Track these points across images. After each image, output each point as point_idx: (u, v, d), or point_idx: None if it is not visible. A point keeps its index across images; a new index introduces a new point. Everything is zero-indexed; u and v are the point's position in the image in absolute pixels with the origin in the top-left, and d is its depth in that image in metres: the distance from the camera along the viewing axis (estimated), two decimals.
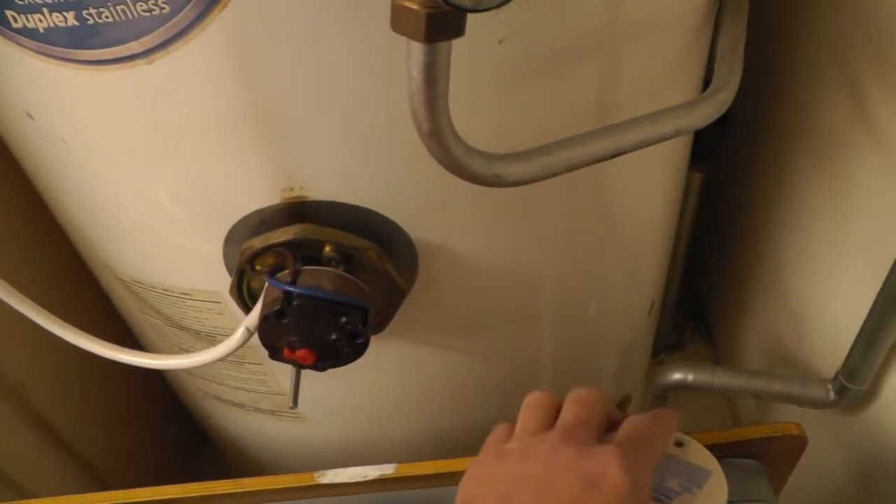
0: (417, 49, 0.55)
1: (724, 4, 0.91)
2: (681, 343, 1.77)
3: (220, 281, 0.86)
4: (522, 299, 0.96)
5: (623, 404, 1.35)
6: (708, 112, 0.77)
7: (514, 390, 1.18)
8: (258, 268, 0.79)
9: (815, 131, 1.15)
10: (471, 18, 0.53)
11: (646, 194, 1.00)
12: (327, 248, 0.77)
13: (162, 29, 0.66)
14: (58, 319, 0.90)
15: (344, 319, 0.76)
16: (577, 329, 1.09)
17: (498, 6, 0.48)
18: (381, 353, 0.91)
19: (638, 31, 0.77)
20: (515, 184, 0.67)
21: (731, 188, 1.51)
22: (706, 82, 1.00)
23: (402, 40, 0.54)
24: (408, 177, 0.76)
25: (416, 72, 0.56)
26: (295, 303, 0.75)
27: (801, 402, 1.10)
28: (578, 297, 1.03)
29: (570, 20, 0.70)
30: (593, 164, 0.72)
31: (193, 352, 1.05)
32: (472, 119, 0.65)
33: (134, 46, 0.68)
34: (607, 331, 1.16)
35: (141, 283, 0.96)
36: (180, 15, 0.65)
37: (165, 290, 0.94)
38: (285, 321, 0.76)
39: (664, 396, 1.19)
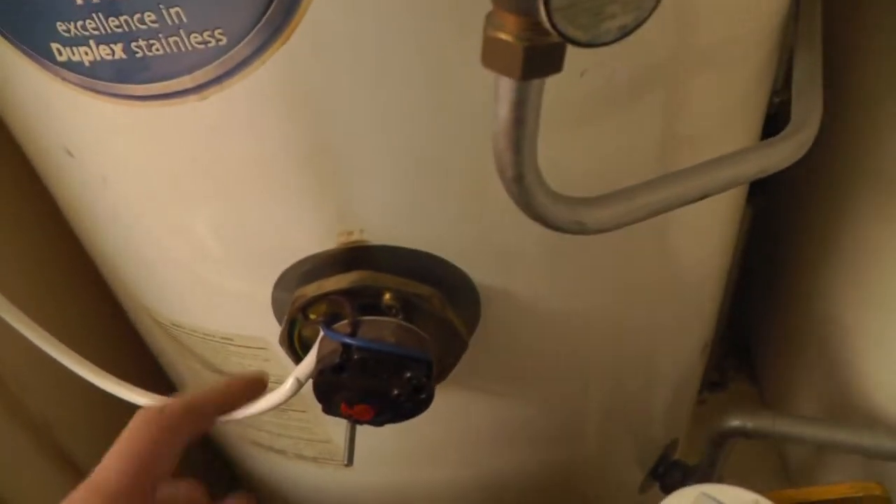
0: (508, 86, 0.48)
1: (797, 30, 0.84)
2: (724, 381, 1.70)
3: (268, 327, 0.79)
4: (580, 346, 0.89)
5: (671, 449, 1.28)
6: (791, 152, 0.71)
7: (561, 437, 1.12)
8: (312, 317, 0.72)
9: (879, 165, 1.08)
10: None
11: (706, 235, 0.94)
12: (387, 296, 0.70)
13: (217, 62, 0.60)
14: (90, 364, 0.83)
15: (408, 374, 0.69)
16: (631, 375, 1.03)
17: (617, 39, 0.41)
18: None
19: (712, 58, 0.71)
20: (598, 231, 0.61)
21: (781, 219, 1.44)
22: (772, 116, 0.94)
23: (484, 75, 0.47)
24: (476, 220, 0.69)
25: (505, 110, 0.50)
26: (355, 356, 0.68)
27: (870, 453, 1.02)
28: (635, 343, 0.96)
29: (649, 48, 0.63)
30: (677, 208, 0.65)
31: None
32: (547, 158, 0.59)
33: (186, 81, 0.61)
34: (660, 374, 1.09)
35: (180, 327, 0.89)
36: (238, 47, 0.58)
37: (206, 335, 0.87)
38: (343, 375, 0.69)
39: (720, 443, 1.12)
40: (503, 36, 0.46)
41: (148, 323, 0.96)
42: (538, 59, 0.47)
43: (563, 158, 0.68)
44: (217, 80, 0.61)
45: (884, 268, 1.10)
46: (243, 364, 0.90)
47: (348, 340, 0.69)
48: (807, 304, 1.37)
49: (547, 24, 0.39)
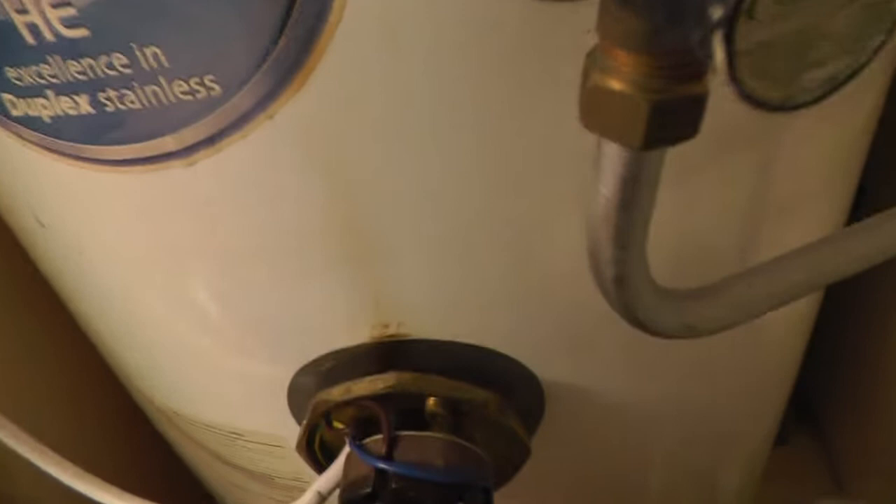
0: (619, 156, 0.32)
1: None
2: (784, 435, 1.51)
3: (284, 425, 0.63)
4: (653, 444, 0.72)
5: None
6: None
7: None
8: (337, 425, 0.56)
9: None
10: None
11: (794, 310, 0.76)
12: (431, 402, 0.54)
13: (209, 118, 0.44)
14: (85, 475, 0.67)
15: None
16: (700, 466, 0.85)
17: (821, 98, 0.24)
18: None
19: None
20: (711, 333, 0.44)
21: None
22: None
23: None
24: (541, 309, 0.53)
25: (610, 190, 0.33)
26: (393, 485, 0.51)
27: None
28: (704, 436, 0.79)
29: None
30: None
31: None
32: None
33: (169, 142, 0.46)
34: (730, 462, 0.92)
35: (181, 415, 0.73)
36: (236, 98, 0.42)
37: (209, 426, 0.70)
38: None
39: None
40: (617, 85, 0.30)
41: (149, 409, 0.80)
42: (669, 118, 0.30)
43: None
44: (209, 140, 0.45)
45: None
46: (254, 459, 0.73)
47: (383, 466, 0.52)
48: (883, 349, 1.19)
49: (724, 76, 0.23)
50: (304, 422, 0.59)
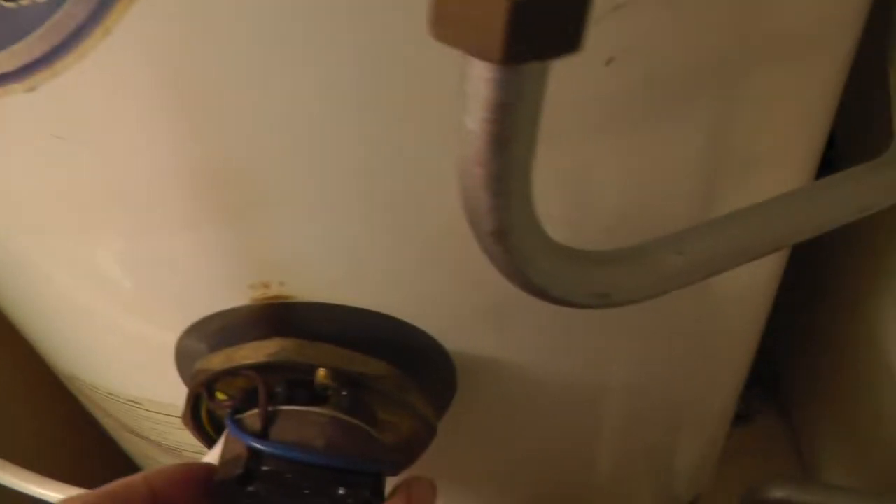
0: (484, 77, 0.24)
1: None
2: (749, 414, 1.45)
3: (179, 394, 0.55)
4: (590, 417, 0.65)
5: None
6: None
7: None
8: (220, 397, 0.48)
9: None
10: None
11: (750, 280, 0.69)
12: (321, 373, 0.46)
13: (41, 31, 0.36)
14: None
15: (342, 491, 0.45)
16: (650, 441, 0.79)
17: None
18: None
19: (782, 47, 0.47)
20: (631, 302, 0.37)
21: (818, 237, 1.18)
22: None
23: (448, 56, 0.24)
24: (444, 272, 0.45)
25: (477, 122, 0.26)
26: (265, 467, 0.44)
27: None
28: (654, 408, 0.73)
29: (707, 26, 0.39)
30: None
31: (161, 462, 0.77)
32: (550, 188, 0.36)
33: (2, 61, 0.37)
34: (684, 437, 0.86)
35: (83, 382, 0.65)
36: (67, 6, 0.34)
37: (110, 395, 0.63)
38: (251, 490, 0.45)
39: None
40: None
41: (63, 379, 0.73)
42: (539, 24, 0.23)
43: (566, 191, 0.44)
44: (45, 60, 0.37)
45: None
46: (159, 430, 0.66)
47: (255, 444, 0.45)
48: (848, 329, 1.12)
49: None
50: (187, 393, 0.52)
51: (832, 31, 0.53)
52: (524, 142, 0.28)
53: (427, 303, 0.49)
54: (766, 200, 0.43)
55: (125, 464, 0.89)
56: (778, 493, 0.85)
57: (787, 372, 1.43)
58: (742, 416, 1.41)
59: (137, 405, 0.64)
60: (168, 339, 0.53)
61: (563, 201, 0.44)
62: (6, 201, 0.47)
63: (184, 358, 0.54)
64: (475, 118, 0.27)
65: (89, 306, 0.56)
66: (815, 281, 1.27)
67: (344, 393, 0.50)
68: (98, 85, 0.38)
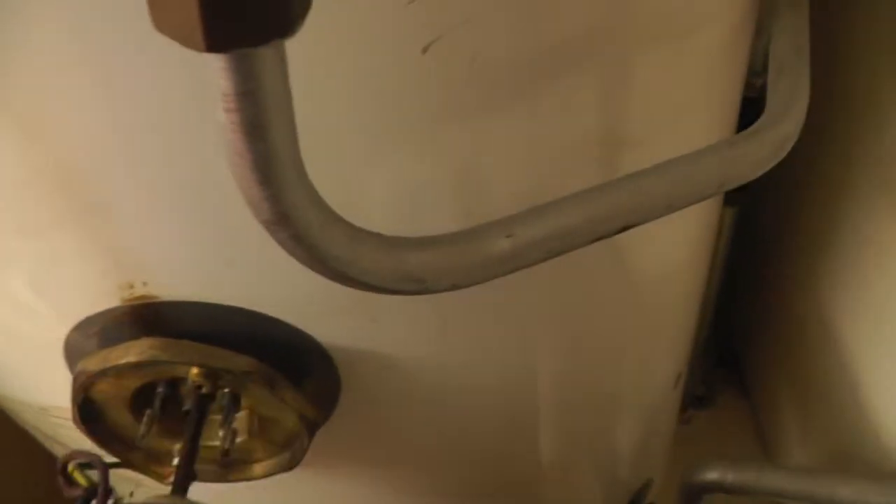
0: (216, 68, 0.24)
1: None
2: (711, 395, 1.45)
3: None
4: (501, 405, 0.65)
5: (644, 491, 1.04)
6: (767, 152, 0.46)
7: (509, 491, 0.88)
8: (96, 398, 0.48)
9: (881, 153, 0.83)
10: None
11: (671, 249, 0.69)
12: (193, 371, 0.46)
13: None
14: None
15: None
16: (581, 424, 0.78)
17: None
18: (306, 485, 0.60)
19: (649, 25, 0.46)
20: (454, 287, 0.36)
21: (769, 216, 1.19)
22: (748, 102, 0.69)
23: None
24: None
25: (223, 111, 0.26)
26: None
27: None
28: (578, 391, 0.72)
29: (547, 9, 0.39)
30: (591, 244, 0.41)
31: None
32: (371, 179, 0.36)
33: None
34: (623, 418, 0.85)
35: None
36: None
37: (22, 403, 0.63)
38: None
39: (696, 499, 0.88)
40: None
41: None
42: (234, 11, 0.22)
43: (429, 178, 0.44)
44: None
45: (886, 271, 0.85)
46: (72, 437, 0.66)
47: None
48: (801, 312, 1.12)
49: None
50: (72, 395, 0.52)
51: (707, 8, 0.52)
52: (277, 127, 0.28)
53: (292, 297, 0.49)
54: (612, 180, 0.43)
55: None
56: (711, 475, 0.85)
57: (746, 354, 1.43)
58: (705, 398, 1.41)
59: (46, 412, 0.64)
60: (56, 341, 0.53)
61: (440, 190, 0.44)
62: None
63: (73, 360, 0.54)
64: (220, 109, 0.27)
65: None
66: (771, 266, 1.26)
67: (226, 391, 0.50)
68: None
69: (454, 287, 0.38)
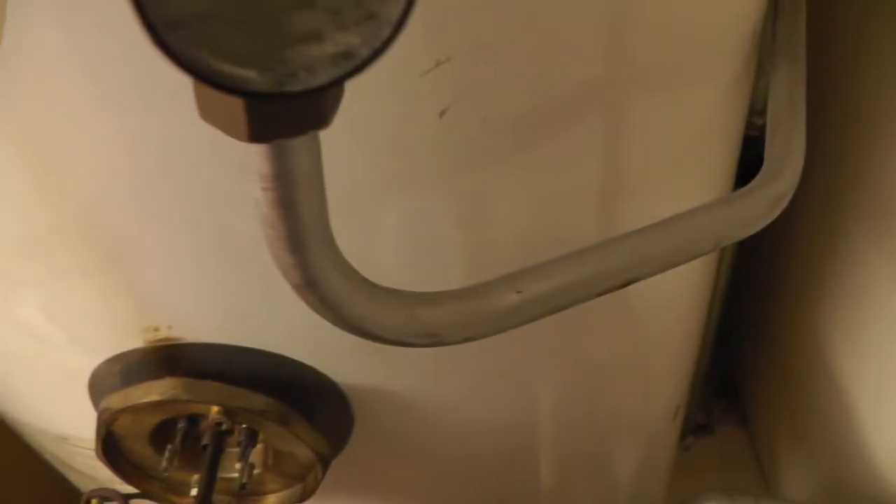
0: (253, 152, 0.27)
1: (775, 36, 0.61)
2: (710, 424, 1.47)
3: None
4: (507, 439, 0.67)
5: None
6: (760, 212, 0.49)
7: None
8: (118, 432, 0.51)
9: (874, 190, 0.85)
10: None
11: (671, 288, 0.71)
12: (213, 410, 0.49)
13: None
14: None
15: None
16: (581, 456, 0.81)
17: (337, 81, 0.19)
18: None
19: (649, 80, 0.48)
20: (467, 340, 0.39)
21: (769, 249, 1.21)
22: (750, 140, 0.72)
23: None
24: None
25: (259, 190, 0.28)
26: None
27: None
28: (580, 422, 0.74)
29: (550, 71, 0.41)
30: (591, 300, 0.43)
31: None
32: (413, 225, 0.38)
33: None
34: (622, 450, 0.87)
35: (18, 422, 0.68)
36: None
37: (41, 431, 0.66)
38: None
39: None
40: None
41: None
42: (275, 112, 0.25)
43: (415, 236, 0.46)
44: None
45: (885, 305, 0.87)
46: (89, 464, 0.68)
47: None
48: (799, 343, 1.14)
49: (166, 56, 0.18)
50: (96, 430, 0.54)
51: (707, 61, 0.55)
52: (309, 204, 0.30)
53: (308, 339, 0.51)
54: (611, 237, 0.45)
55: None
56: None
57: (746, 384, 1.45)
58: (704, 426, 1.42)
59: (66, 441, 0.66)
60: (81, 376, 0.56)
61: (413, 244, 0.47)
62: None
63: (97, 395, 0.56)
64: (257, 188, 0.29)
65: (12, 353, 0.58)
66: (770, 298, 1.28)
67: (244, 426, 0.52)
68: None
69: (466, 340, 0.40)
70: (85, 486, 0.78)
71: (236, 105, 0.25)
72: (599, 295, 0.44)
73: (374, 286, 0.36)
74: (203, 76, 0.19)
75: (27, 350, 0.56)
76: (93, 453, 0.65)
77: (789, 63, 0.62)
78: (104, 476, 0.70)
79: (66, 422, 0.63)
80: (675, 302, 0.78)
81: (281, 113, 0.25)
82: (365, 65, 0.20)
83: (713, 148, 0.65)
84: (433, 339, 0.38)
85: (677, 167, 0.60)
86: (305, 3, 0.18)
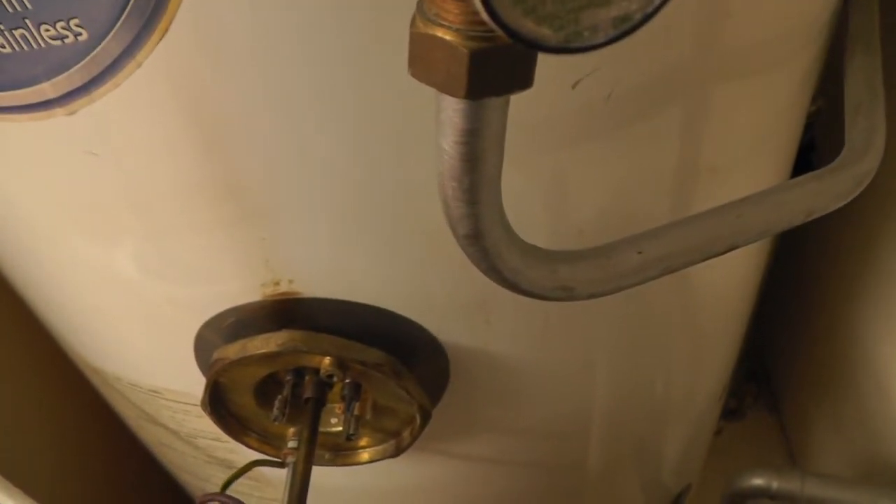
0: (453, 109, 0.30)
1: (848, 26, 0.65)
2: (741, 409, 1.51)
3: (198, 383, 0.61)
4: (577, 407, 0.71)
5: (682, 495, 1.09)
6: (848, 187, 0.52)
7: (560, 492, 0.93)
8: (224, 383, 0.54)
9: None
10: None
11: (731, 275, 0.75)
12: (326, 362, 0.52)
13: (81, 65, 0.42)
14: None
15: None
16: (638, 429, 0.84)
17: (612, 41, 0.23)
18: (401, 471, 0.66)
19: (747, 63, 0.52)
20: (591, 296, 0.42)
21: (806, 236, 1.24)
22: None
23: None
24: (437, 267, 0.51)
25: (450, 144, 0.32)
26: None
27: None
28: (641, 399, 0.78)
29: (667, 50, 0.45)
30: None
31: (174, 448, 0.82)
32: (522, 198, 0.41)
33: (47, 89, 0.44)
34: (670, 427, 0.91)
35: (107, 373, 0.71)
36: (105, 44, 0.41)
37: (132, 385, 0.69)
38: None
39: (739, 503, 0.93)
40: (440, 33, 0.28)
41: (86, 372, 0.79)
42: (494, 67, 0.28)
43: (544, 199, 0.50)
44: (84, 89, 0.43)
45: None
46: (177, 419, 0.72)
47: None
48: (833, 328, 1.17)
49: (484, 14, 0.21)
50: (206, 380, 0.58)
51: (790, 48, 0.58)
52: (491, 160, 0.33)
53: (421, 298, 0.55)
54: (718, 206, 0.49)
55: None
56: (757, 481, 0.91)
57: (777, 369, 1.49)
58: (735, 411, 1.46)
59: (158, 394, 0.70)
60: (188, 332, 0.59)
61: (541, 207, 0.50)
62: (48, 209, 0.53)
63: (201, 349, 0.60)
64: (449, 142, 0.33)
65: (118, 305, 0.62)
66: (803, 282, 1.31)
67: (348, 381, 0.56)
68: (129, 110, 0.44)
69: (591, 296, 0.44)
70: (160, 440, 0.82)
71: (460, 65, 0.28)
72: (706, 259, 0.48)
73: (524, 242, 0.39)
74: (512, 31, 0.22)
75: (137, 303, 0.60)
76: (182, 406, 0.69)
77: (865, 49, 0.65)
78: (188, 429, 0.74)
79: (163, 375, 0.66)
80: (734, 282, 0.81)
81: (498, 73, 0.29)
82: (637, 27, 0.24)
83: (787, 131, 0.69)
84: (567, 294, 0.42)
85: (756, 149, 0.64)
86: None
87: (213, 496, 0.54)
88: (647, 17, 0.23)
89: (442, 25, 0.28)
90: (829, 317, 1.20)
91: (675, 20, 0.46)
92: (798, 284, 1.35)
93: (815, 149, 0.97)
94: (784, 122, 0.66)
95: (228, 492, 0.54)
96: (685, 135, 0.54)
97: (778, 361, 1.50)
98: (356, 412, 0.57)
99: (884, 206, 0.98)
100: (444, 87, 0.29)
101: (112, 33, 0.41)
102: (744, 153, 0.62)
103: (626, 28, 0.23)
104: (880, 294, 1.03)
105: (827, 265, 1.22)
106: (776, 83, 0.60)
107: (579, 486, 0.92)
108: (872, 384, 1.07)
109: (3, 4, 0.41)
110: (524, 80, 0.30)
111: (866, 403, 1.10)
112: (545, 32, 0.23)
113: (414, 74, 0.30)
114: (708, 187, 0.59)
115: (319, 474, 0.60)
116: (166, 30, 0.40)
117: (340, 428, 0.59)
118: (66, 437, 1.01)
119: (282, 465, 0.56)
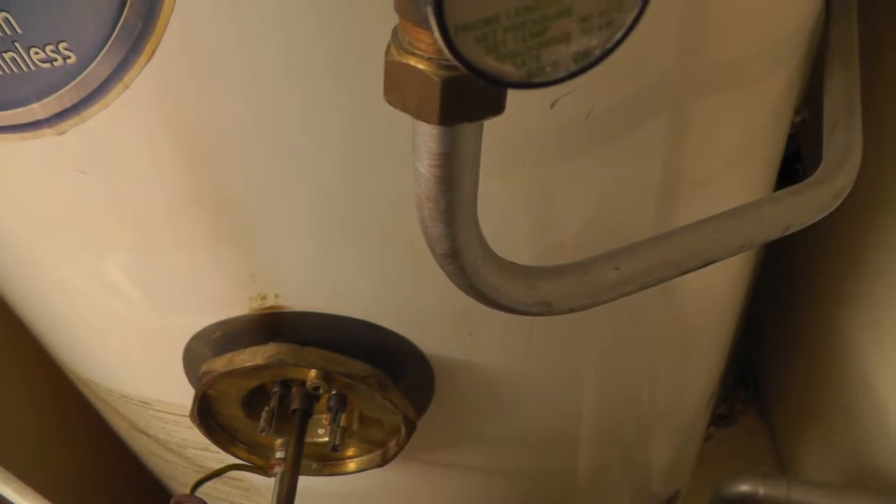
0: (428, 133, 0.31)
1: (828, 40, 0.66)
2: (731, 415, 1.52)
3: (187, 394, 0.62)
4: (564, 417, 0.72)
5: (672, 501, 1.11)
6: (825, 201, 0.53)
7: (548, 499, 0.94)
8: (213, 395, 0.56)
9: None
10: None
11: (717, 284, 0.76)
12: (312, 374, 0.53)
13: (69, 87, 0.43)
14: None
15: None
16: (625, 439, 0.86)
17: (574, 75, 0.24)
18: (387, 481, 0.67)
19: (727, 78, 0.53)
20: (570, 311, 0.43)
21: (793, 244, 1.25)
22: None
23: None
24: (421, 281, 0.52)
25: (426, 167, 0.33)
26: None
27: None
28: (628, 407, 0.80)
29: (644, 67, 0.46)
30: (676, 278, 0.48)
31: (164, 458, 0.83)
32: (502, 213, 0.43)
33: (37, 110, 0.45)
34: (659, 435, 0.92)
35: (98, 385, 0.72)
36: (92, 67, 0.42)
37: (122, 397, 0.70)
38: None
39: None
40: (414, 62, 0.29)
41: (77, 384, 0.80)
42: (466, 95, 0.30)
43: (525, 214, 0.51)
44: (73, 109, 0.44)
45: None
46: (167, 429, 0.73)
47: None
48: (821, 334, 1.19)
49: (447, 52, 0.22)
50: (195, 392, 0.59)
51: (769, 63, 0.59)
52: (466, 181, 0.35)
53: (405, 311, 0.56)
54: (696, 221, 0.50)
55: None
56: (744, 487, 0.92)
57: (766, 375, 1.50)
58: (725, 416, 1.47)
59: (147, 406, 0.71)
60: (177, 345, 0.60)
61: (521, 222, 0.51)
62: (37, 225, 0.54)
63: (190, 361, 0.61)
64: (424, 165, 0.34)
65: (108, 319, 0.63)
66: (791, 289, 1.33)
67: (334, 392, 0.57)
68: (118, 130, 0.45)
69: (571, 310, 0.45)
70: (150, 450, 0.83)
71: (432, 93, 0.30)
72: (684, 273, 0.49)
73: (501, 259, 0.40)
74: (474, 68, 0.23)
75: (126, 317, 0.61)
76: (172, 417, 0.70)
77: (843, 64, 0.66)
78: (177, 439, 0.75)
79: (153, 387, 0.67)
80: (721, 291, 0.82)
81: (469, 100, 0.30)
82: (597, 62, 0.25)
83: (769, 144, 0.70)
84: (546, 309, 0.43)
85: (738, 162, 0.65)
86: (566, 12, 0.23)
87: (184, 498, 0.56)
88: (607, 53, 0.25)
89: (415, 55, 0.30)
90: (817, 323, 1.22)
91: (654, 38, 0.47)
92: (786, 291, 1.36)
93: (800, 159, 0.99)
94: (766, 135, 0.68)
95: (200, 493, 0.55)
96: (667, 150, 0.56)
97: (767, 367, 1.51)
98: (342, 423, 0.58)
99: (870, 213, 0.99)
100: (419, 114, 0.31)
101: (100, 56, 0.42)
102: (726, 167, 0.63)
103: (587, 63, 0.25)
104: (867, 300, 1.05)
105: (815, 272, 1.23)
106: (757, 98, 0.62)
107: (567, 493, 0.93)
108: (860, 390, 1.08)
109: None
110: (496, 106, 0.31)
111: (854, 409, 1.11)
112: (507, 69, 0.24)
113: (389, 101, 0.31)
114: (691, 201, 0.60)
115: (306, 483, 0.61)
116: (153, 52, 0.41)
117: (327, 438, 0.60)
118: (55, 434, 1.02)
119: (259, 469, 0.58)
